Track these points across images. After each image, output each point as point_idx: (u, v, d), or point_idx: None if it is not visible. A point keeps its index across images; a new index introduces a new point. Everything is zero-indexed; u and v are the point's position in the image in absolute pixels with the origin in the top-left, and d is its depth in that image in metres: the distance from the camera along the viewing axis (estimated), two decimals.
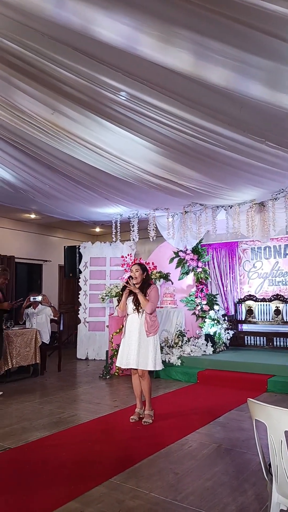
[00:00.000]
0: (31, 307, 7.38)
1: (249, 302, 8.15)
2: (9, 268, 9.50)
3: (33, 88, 3.56)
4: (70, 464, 3.27)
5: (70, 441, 3.81)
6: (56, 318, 7.46)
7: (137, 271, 4.36)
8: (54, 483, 2.95)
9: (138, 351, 4.20)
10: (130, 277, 4.34)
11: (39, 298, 7.32)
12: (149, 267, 8.36)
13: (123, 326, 4.41)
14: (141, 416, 4.38)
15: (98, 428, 4.17)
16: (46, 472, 3.14)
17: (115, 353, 7.12)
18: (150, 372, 4.34)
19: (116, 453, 3.49)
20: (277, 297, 7.80)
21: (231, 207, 6.89)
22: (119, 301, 4.45)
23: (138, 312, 4.26)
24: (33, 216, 9.39)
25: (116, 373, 6.99)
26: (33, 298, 7.29)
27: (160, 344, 7.10)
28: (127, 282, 4.26)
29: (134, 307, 4.28)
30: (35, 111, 3.93)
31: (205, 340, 7.34)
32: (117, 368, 7.03)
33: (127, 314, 4.37)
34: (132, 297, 4.31)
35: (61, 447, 3.65)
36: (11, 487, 2.88)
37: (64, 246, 9.64)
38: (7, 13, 2.65)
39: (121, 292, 4.36)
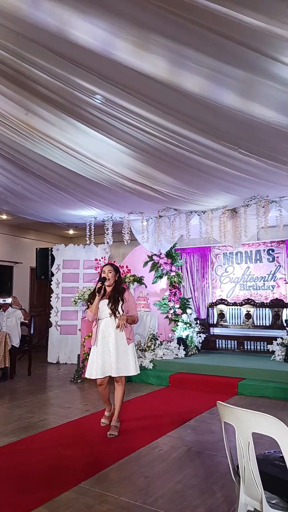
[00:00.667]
0: (1, 309, 7.23)
1: (221, 306, 8.27)
2: None
3: (7, 88, 3.52)
4: (39, 470, 3.22)
5: (40, 446, 3.75)
6: (26, 321, 7.34)
7: (110, 272, 4.14)
8: (23, 489, 2.89)
9: (116, 358, 3.99)
10: (103, 278, 4.09)
11: (8, 300, 7.19)
12: (123, 271, 8.36)
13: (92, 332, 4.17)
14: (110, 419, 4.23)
15: (68, 432, 4.12)
16: (14, 478, 3.07)
17: (87, 356, 7.06)
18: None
19: (86, 458, 3.46)
20: (248, 301, 7.96)
21: (204, 213, 6.99)
22: (89, 303, 4.14)
23: (115, 316, 4.01)
24: (4, 216, 9.22)
25: (87, 377, 6.92)
26: (3, 300, 7.15)
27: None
28: (100, 289, 4.02)
29: (110, 312, 4.02)
30: (9, 111, 3.88)
31: (177, 343, 7.40)
32: None
33: (98, 319, 4.09)
34: (107, 300, 4.06)
35: (30, 452, 3.59)
36: None
37: (36, 248, 9.51)
38: None
39: (97, 293, 4.04)
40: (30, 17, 2.58)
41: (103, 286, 4.07)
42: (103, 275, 4.14)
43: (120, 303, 4.07)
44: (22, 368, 7.35)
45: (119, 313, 4.03)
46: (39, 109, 3.78)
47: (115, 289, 4.14)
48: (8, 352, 6.59)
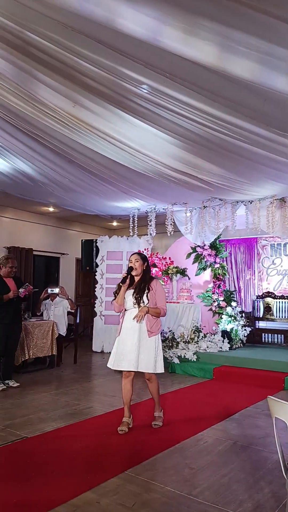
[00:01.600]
0: (49, 299, 7.46)
1: (268, 299, 8.07)
2: (27, 261, 9.65)
3: (55, 81, 3.57)
4: (85, 455, 3.30)
5: (86, 432, 3.84)
6: (73, 311, 7.53)
7: (137, 261, 3.90)
8: (70, 473, 2.98)
9: (137, 352, 3.77)
10: (130, 267, 3.90)
11: (56, 290, 7.39)
12: (166, 262, 8.35)
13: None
14: (130, 426, 3.91)
15: (113, 420, 4.19)
16: (62, 462, 3.17)
17: None
18: (165, 367, 4.00)
19: (131, 446, 3.51)
20: None
21: (251, 203, 6.81)
22: (116, 293, 3.96)
23: (139, 306, 3.80)
24: (51, 209, 9.47)
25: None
26: (51, 290, 7.36)
27: (176, 340, 7.11)
28: (124, 280, 3.82)
29: (135, 301, 3.81)
30: (57, 104, 3.94)
31: (221, 336, 7.30)
32: None
33: (125, 309, 3.92)
34: (133, 290, 3.87)
35: (76, 438, 3.69)
36: (28, 475, 2.92)
37: (81, 240, 9.70)
38: (29, 4, 2.65)
39: (121, 284, 3.88)
40: (78, 9, 2.59)
41: (128, 276, 3.87)
42: (129, 264, 3.94)
43: (146, 291, 3.85)
44: (68, 356, 7.57)
45: (143, 302, 3.81)
46: (86, 101, 3.81)
47: (142, 278, 3.92)
48: (55, 340, 6.79)
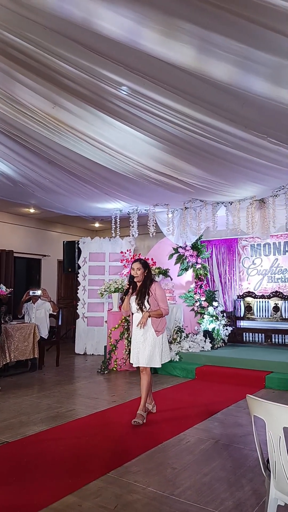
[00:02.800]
0: (31, 301, 7.38)
1: (248, 299, 8.17)
2: (8, 263, 9.52)
3: (34, 81, 3.54)
4: (67, 458, 3.28)
5: (68, 435, 3.82)
6: (55, 313, 7.47)
7: (139, 270, 4.23)
8: (52, 477, 2.95)
9: (144, 350, 4.17)
10: (131, 276, 4.22)
11: (38, 292, 7.32)
12: (149, 263, 8.37)
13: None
14: (151, 411, 4.43)
15: (96, 423, 4.18)
16: (43, 466, 3.15)
17: (113, 348, 7.14)
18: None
19: (114, 448, 3.50)
20: (276, 294, 7.82)
21: (231, 204, 6.88)
22: (122, 300, 4.36)
23: (142, 311, 4.19)
24: (32, 210, 9.37)
25: (114, 368, 7.01)
26: (33, 292, 7.29)
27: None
28: (127, 291, 4.21)
29: (138, 307, 4.20)
30: (36, 104, 3.91)
31: (203, 336, 7.36)
32: (115, 363, 7.04)
33: (132, 313, 4.33)
34: (135, 296, 4.24)
35: (58, 441, 3.66)
36: (9, 480, 2.89)
37: (63, 241, 9.63)
38: (8, 6, 2.63)
39: (124, 296, 4.30)
40: (56, 10, 2.58)
41: (130, 285, 4.23)
42: (132, 272, 4.25)
43: (147, 297, 4.18)
44: (50, 359, 7.50)
45: (145, 307, 4.17)
46: (65, 102, 3.79)
47: (143, 284, 4.24)
48: (37, 343, 6.73)
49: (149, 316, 4.17)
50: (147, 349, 4.18)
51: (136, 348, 4.25)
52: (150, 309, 4.18)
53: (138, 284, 4.26)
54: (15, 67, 3.37)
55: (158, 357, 4.19)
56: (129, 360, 4.46)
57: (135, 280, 4.23)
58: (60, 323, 7.63)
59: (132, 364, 4.34)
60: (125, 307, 4.29)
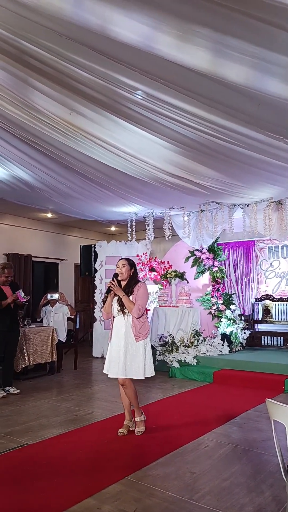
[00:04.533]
0: (49, 305, 7.46)
1: (266, 302, 8.07)
2: (26, 267, 9.64)
3: (50, 88, 3.59)
4: (86, 461, 3.30)
5: (87, 438, 3.84)
6: (72, 317, 7.52)
7: (124, 266, 3.87)
8: (71, 479, 2.97)
9: (125, 358, 3.75)
10: (115, 274, 3.88)
11: (56, 296, 7.39)
12: (164, 266, 8.36)
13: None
14: (130, 428, 3.97)
15: (114, 426, 4.18)
16: (63, 468, 3.17)
17: None
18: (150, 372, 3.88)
19: (132, 452, 3.50)
20: None
21: (248, 206, 6.83)
22: (104, 301, 3.96)
23: (124, 313, 3.80)
24: (49, 215, 9.48)
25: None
26: (50, 296, 7.36)
27: (176, 344, 7.10)
28: (111, 283, 3.80)
29: (119, 308, 3.81)
30: (52, 111, 3.96)
31: (221, 339, 7.30)
32: None
33: (113, 316, 3.93)
34: (117, 297, 3.86)
35: (78, 444, 3.68)
36: (28, 483, 2.91)
37: (80, 245, 9.71)
38: (24, 14, 2.67)
39: (106, 294, 3.92)
40: (73, 17, 2.61)
41: (115, 283, 3.82)
42: (116, 270, 3.92)
43: (129, 296, 3.82)
44: (68, 362, 7.55)
45: (126, 309, 3.79)
46: (81, 107, 3.83)
47: (127, 284, 3.88)
48: (55, 346, 6.79)
49: (123, 296, 3.75)
50: (132, 357, 3.77)
51: (113, 357, 3.83)
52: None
53: (123, 283, 3.89)
54: (32, 75, 3.42)
55: (145, 366, 3.78)
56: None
57: (119, 278, 3.87)
58: (77, 326, 7.68)
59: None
60: (107, 308, 3.90)
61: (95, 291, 9.10)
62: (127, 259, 4.00)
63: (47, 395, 5.51)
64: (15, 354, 5.85)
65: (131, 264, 3.96)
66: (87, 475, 3.05)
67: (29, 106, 3.93)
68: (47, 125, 4.23)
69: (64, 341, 7.33)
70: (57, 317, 7.35)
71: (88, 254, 9.34)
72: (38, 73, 3.38)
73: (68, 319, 7.51)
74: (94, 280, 9.19)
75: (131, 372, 3.77)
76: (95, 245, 9.27)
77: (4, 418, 4.48)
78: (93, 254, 9.24)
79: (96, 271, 9.09)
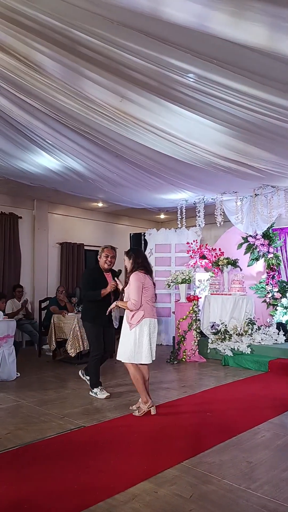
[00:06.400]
0: None
1: None
2: (79, 255, 9.89)
3: (101, 76, 3.60)
4: (142, 445, 3.35)
5: (141, 423, 3.90)
6: None
7: (124, 260, 4.27)
8: (127, 462, 3.03)
9: (120, 343, 4.13)
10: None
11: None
12: (216, 253, 8.22)
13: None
14: (150, 412, 4.08)
15: (168, 411, 4.22)
16: (119, 451, 3.24)
17: (182, 339, 7.14)
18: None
19: (186, 438, 3.51)
20: None
21: None
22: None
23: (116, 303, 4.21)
24: (100, 204, 9.64)
25: (183, 359, 7.02)
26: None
27: (229, 332, 6.99)
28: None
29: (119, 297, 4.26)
30: (104, 99, 3.98)
31: (276, 328, 7.10)
32: (184, 353, 7.04)
33: None
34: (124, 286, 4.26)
35: (132, 428, 3.75)
36: (86, 463, 3.01)
37: (130, 234, 9.79)
38: (74, 2, 2.68)
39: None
40: (123, 2, 2.58)
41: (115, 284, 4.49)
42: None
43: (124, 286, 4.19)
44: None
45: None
46: (132, 94, 3.81)
47: (127, 275, 4.18)
48: None
49: (117, 306, 4.18)
50: (124, 342, 4.09)
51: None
52: (125, 298, 4.10)
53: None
54: (83, 64, 3.44)
55: (128, 351, 4.01)
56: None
57: (127, 267, 4.20)
58: None
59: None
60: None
61: None
62: (126, 252, 4.26)
63: (102, 379, 5.64)
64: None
65: (128, 254, 4.20)
66: (143, 458, 3.10)
67: (80, 95, 3.97)
68: (98, 113, 4.25)
69: (116, 327, 7.45)
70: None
71: (138, 242, 9.40)
72: (89, 62, 3.40)
73: None
74: None
75: (119, 355, 4.09)
76: (144, 233, 9.30)
77: (62, 400, 4.66)
78: (142, 242, 9.28)
79: None
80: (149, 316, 4.04)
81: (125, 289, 4.14)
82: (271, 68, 3.11)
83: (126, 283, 4.17)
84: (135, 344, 4.00)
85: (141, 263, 4.14)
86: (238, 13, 2.53)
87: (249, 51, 2.89)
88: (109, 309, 4.36)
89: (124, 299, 4.12)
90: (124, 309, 4.13)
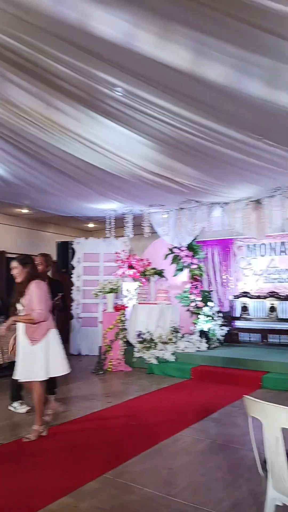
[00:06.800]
0: None
1: (244, 299, 8.20)
2: (0, 263, 9.46)
3: (28, 82, 3.52)
4: (63, 460, 3.27)
5: (63, 437, 3.80)
6: None
7: (16, 268, 3.71)
8: (47, 478, 2.94)
9: (22, 361, 3.67)
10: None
11: None
12: (143, 264, 8.36)
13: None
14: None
15: (91, 424, 4.17)
16: (38, 467, 3.13)
17: (108, 348, 7.12)
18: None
19: (109, 449, 3.50)
20: (272, 294, 7.86)
21: (227, 204, 6.91)
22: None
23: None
24: (24, 210, 9.31)
25: (109, 369, 6.99)
26: None
27: (154, 341, 7.12)
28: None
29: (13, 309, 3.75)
30: (30, 105, 3.89)
31: (199, 336, 7.38)
32: (110, 363, 7.02)
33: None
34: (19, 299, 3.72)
35: (54, 442, 3.64)
36: (3, 485, 2.87)
37: (57, 242, 9.59)
38: (4, 8, 2.61)
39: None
40: (52, 11, 2.57)
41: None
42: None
43: (20, 298, 3.68)
44: None
45: (18, 310, 3.70)
46: (59, 103, 3.78)
47: (21, 285, 3.70)
48: None
49: (15, 321, 3.67)
50: (29, 360, 3.64)
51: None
52: (24, 311, 3.65)
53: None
54: (9, 68, 3.35)
55: (38, 368, 3.63)
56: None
57: (16, 281, 3.74)
58: None
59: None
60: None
61: (72, 288, 9.02)
62: (18, 259, 3.78)
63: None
64: None
65: (23, 263, 3.74)
66: (64, 473, 3.03)
67: (6, 100, 3.84)
68: (24, 119, 4.14)
69: None
70: None
71: (64, 251, 9.23)
72: (16, 67, 3.31)
73: None
74: (72, 277, 9.10)
75: (28, 374, 3.67)
76: (72, 241, 9.18)
77: None
78: (70, 250, 9.14)
79: (73, 268, 9.01)
80: (51, 327, 3.81)
81: (21, 300, 3.66)
82: (195, 90, 3.28)
83: (19, 294, 3.69)
84: (46, 358, 3.65)
85: (37, 272, 3.88)
86: (164, 35, 2.66)
87: (175, 72, 3.02)
88: (3, 327, 3.78)
89: (26, 310, 3.64)
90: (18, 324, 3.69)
